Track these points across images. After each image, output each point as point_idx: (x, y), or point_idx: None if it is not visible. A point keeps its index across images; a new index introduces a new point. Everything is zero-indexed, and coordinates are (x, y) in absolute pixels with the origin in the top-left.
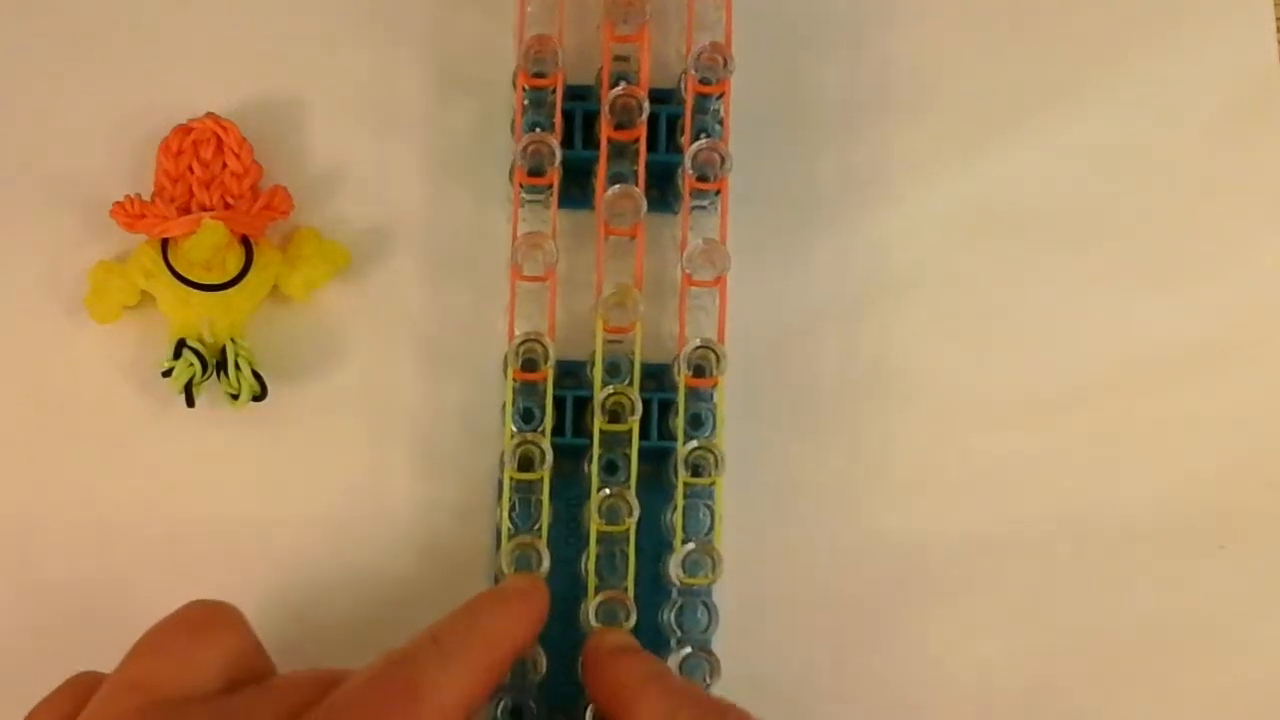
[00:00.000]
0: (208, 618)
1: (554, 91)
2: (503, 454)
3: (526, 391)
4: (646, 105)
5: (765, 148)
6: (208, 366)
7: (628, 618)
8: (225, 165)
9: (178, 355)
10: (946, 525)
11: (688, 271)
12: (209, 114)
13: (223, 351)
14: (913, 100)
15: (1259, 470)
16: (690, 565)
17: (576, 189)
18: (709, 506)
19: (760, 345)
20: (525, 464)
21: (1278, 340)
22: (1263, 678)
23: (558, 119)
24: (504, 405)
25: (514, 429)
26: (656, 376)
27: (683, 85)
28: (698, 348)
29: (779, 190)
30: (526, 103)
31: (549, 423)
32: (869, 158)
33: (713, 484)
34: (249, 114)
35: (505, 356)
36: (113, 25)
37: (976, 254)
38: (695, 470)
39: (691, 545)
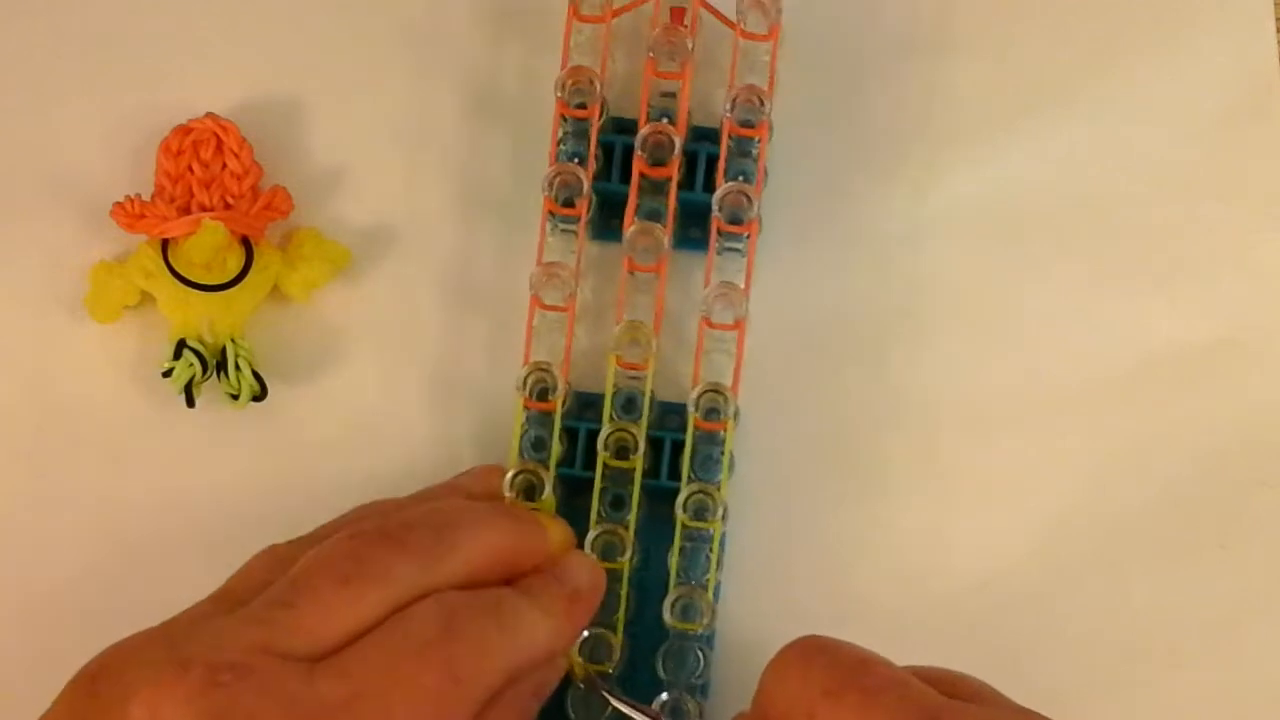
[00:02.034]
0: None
1: (593, 123)
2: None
3: (541, 420)
4: (678, 143)
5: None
6: (208, 367)
7: (609, 657)
8: (225, 165)
9: (178, 355)
10: (946, 528)
11: (705, 313)
12: (209, 114)
13: (223, 352)
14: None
15: (1259, 470)
16: (681, 609)
17: (618, 222)
18: (711, 552)
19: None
20: (527, 493)
21: (1278, 340)
22: (1263, 678)
23: (593, 150)
24: (513, 433)
25: (522, 457)
26: (678, 413)
27: (722, 125)
28: (707, 391)
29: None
30: (566, 131)
31: (555, 453)
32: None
33: (711, 527)
34: (249, 114)
35: (516, 383)
36: (112, 25)
37: (975, 256)
38: (698, 513)
39: (681, 589)
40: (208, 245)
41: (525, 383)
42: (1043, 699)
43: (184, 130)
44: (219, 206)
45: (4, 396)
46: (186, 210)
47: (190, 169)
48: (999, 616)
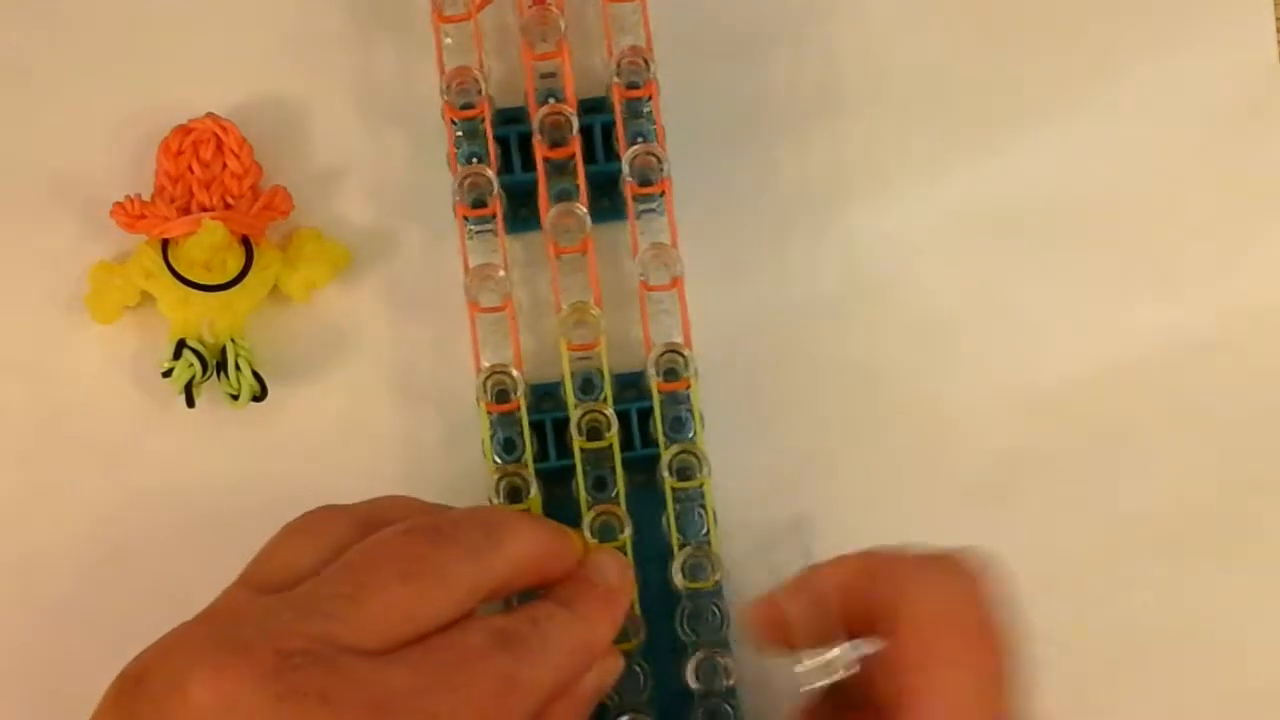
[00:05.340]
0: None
1: (484, 120)
2: (489, 488)
3: (505, 422)
4: (575, 120)
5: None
6: (208, 367)
7: (637, 633)
8: (225, 165)
9: (178, 355)
10: (943, 525)
11: (643, 277)
12: (209, 114)
13: (223, 351)
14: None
15: (1259, 471)
16: (691, 569)
17: (526, 211)
18: (702, 508)
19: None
20: (513, 495)
21: (1277, 340)
22: (1262, 679)
23: (491, 147)
24: (482, 439)
25: (496, 461)
26: (634, 385)
27: (610, 92)
28: (664, 353)
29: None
30: (459, 134)
31: (530, 452)
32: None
33: (701, 485)
34: (249, 114)
35: (476, 392)
36: (113, 25)
37: (958, 252)
38: (682, 474)
39: (689, 549)
40: (208, 245)
41: (485, 387)
42: (1041, 699)
43: (184, 130)
44: (219, 206)
45: (4, 396)
46: (186, 210)
47: (190, 169)
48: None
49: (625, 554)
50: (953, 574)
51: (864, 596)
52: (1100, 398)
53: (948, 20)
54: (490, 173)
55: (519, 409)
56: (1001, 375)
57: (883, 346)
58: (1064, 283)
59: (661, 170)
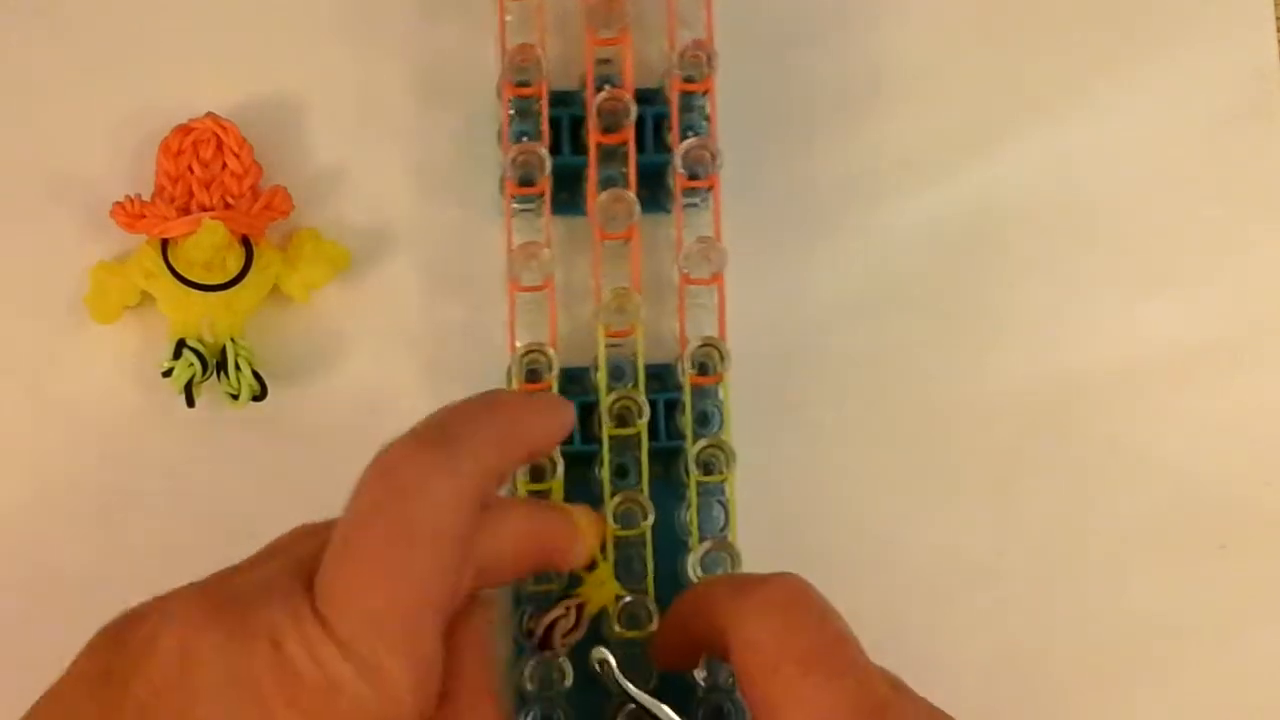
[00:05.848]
0: None
1: (539, 100)
2: None
3: None
4: (633, 108)
5: (758, 144)
6: (208, 366)
7: (650, 620)
8: (225, 165)
9: (178, 355)
10: (947, 526)
11: (685, 270)
12: (209, 114)
13: (223, 351)
14: (907, 97)
15: (1259, 470)
16: (709, 563)
17: (567, 195)
18: (722, 503)
19: (765, 340)
20: (536, 475)
21: (1278, 340)
22: (1263, 678)
23: (544, 127)
24: None
25: None
26: (660, 377)
27: (668, 84)
28: (701, 346)
29: (775, 186)
30: (512, 112)
31: None
32: (866, 153)
33: (724, 480)
34: (249, 114)
35: (508, 368)
36: (113, 25)
37: (974, 253)
38: (706, 468)
39: (708, 543)
40: (208, 245)
41: (521, 365)
42: (1042, 699)
43: (184, 130)
44: (219, 206)
45: (4, 396)
46: (186, 210)
47: (190, 169)
48: (998, 616)
49: (646, 543)
50: (767, 612)
51: (703, 635)
52: (1101, 396)
53: (956, 21)
54: (543, 151)
55: (551, 389)
56: (1007, 374)
57: (902, 345)
58: (1065, 282)
59: (713, 165)
